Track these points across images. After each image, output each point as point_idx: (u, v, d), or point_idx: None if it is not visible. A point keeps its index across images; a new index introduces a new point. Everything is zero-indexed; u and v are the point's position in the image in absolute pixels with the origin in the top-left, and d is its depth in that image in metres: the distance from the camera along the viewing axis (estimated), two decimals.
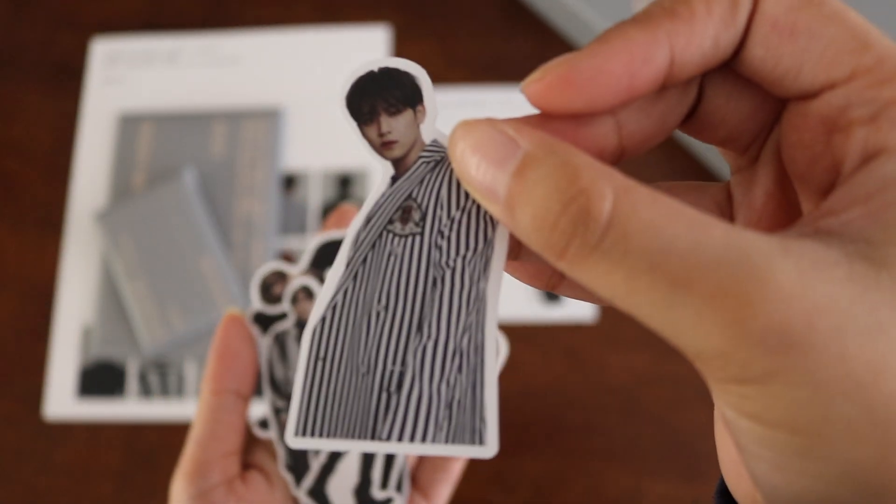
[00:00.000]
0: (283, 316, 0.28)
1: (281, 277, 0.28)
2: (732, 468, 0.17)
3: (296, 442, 0.17)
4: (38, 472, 0.47)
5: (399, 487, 0.27)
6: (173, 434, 0.47)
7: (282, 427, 0.27)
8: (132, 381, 0.48)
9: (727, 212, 0.18)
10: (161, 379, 0.48)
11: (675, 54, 0.15)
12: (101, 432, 0.47)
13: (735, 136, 0.17)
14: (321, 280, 0.28)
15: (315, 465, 0.27)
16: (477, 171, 0.15)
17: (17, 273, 0.51)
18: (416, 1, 0.56)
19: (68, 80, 0.55)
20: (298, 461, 0.27)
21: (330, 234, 0.28)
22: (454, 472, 0.29)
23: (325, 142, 0.53)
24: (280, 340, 0.28)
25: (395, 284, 0.17)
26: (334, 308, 0.17)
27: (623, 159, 0.17)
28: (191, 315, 0.47)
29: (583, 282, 0.14)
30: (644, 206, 0.13)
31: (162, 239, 0.49)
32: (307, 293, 0.27)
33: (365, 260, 0.18)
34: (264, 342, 0.28)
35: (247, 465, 0.28)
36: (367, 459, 0.27)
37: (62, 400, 0.48)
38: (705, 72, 0.16)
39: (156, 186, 0.50)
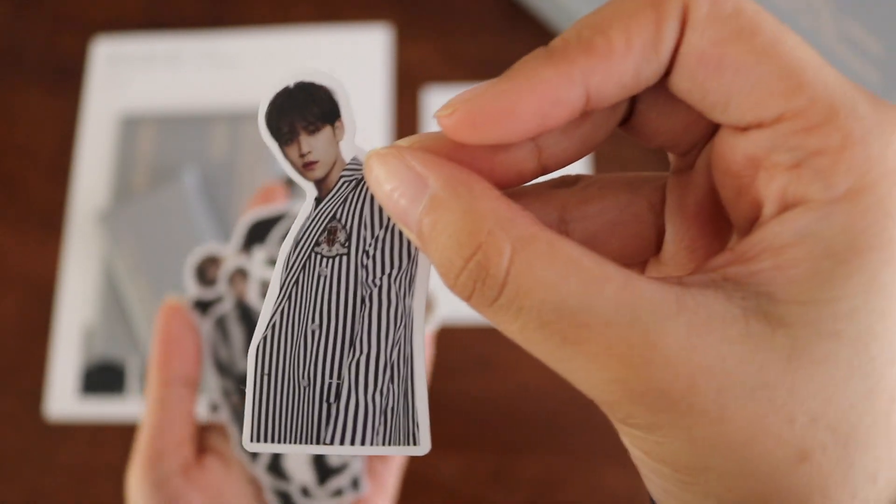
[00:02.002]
0: (220, 299, 0.28)
1: (213, 261, 0.28)
2: None
3: (252, 447, 0.18)
4: (40, 471, 0.47)
5: None
6: None
7: (233, 409, 0.28)
8: (133, 381, 0.48)
9: (659, 213, 0.18)
10: None
11: (591, 91, 0.15)
12: (102, 432, 0.47)
13: (671, 145, 0.17)
14: (264, 259, 0.28)
15: None
16: (390, 201, 0.16)
17: (18, 273, 0.51)
18: (416, 1, 0.56)
19: (69, 80, 0.55)
20: None
21: (257, 213, 0.28)
22: (398, 459, 0.30)
23: None
24: (221, 323, 0.28)
25: (326, 305, 0.18)
26: (273, 328, 0.18)
27: (547, 174, 0.17)
28: None
29: (494, 324, 0.15)
30: (540, 263, 0.14)
31: (163, 239, 0.49)
32: (242, 274, 0.28)
33: (297, 282, 0.18)
34: (205, 327, 0.28)
35: (202, 450, 0.28)
36: None
37: (63, 399, 0.48)
38: (629, 97, 0.15)
39: (157, 187, 0.50)
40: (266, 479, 0.28)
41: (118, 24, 0.57)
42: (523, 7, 0.56)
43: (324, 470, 0.28)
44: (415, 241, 0.16)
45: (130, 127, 0.53)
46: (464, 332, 0.48)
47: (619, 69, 0.14)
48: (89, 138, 0.54)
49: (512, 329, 0.15)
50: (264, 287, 0.27)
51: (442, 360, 0.48)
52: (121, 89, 0.55)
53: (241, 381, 0.28)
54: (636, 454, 0.15)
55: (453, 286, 0.15)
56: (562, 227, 0.17)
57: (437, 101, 0.53)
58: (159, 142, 0.53)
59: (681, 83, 0.15)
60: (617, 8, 0.15)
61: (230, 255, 0.28)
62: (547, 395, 0.47)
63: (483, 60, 0.54)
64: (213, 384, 0.28)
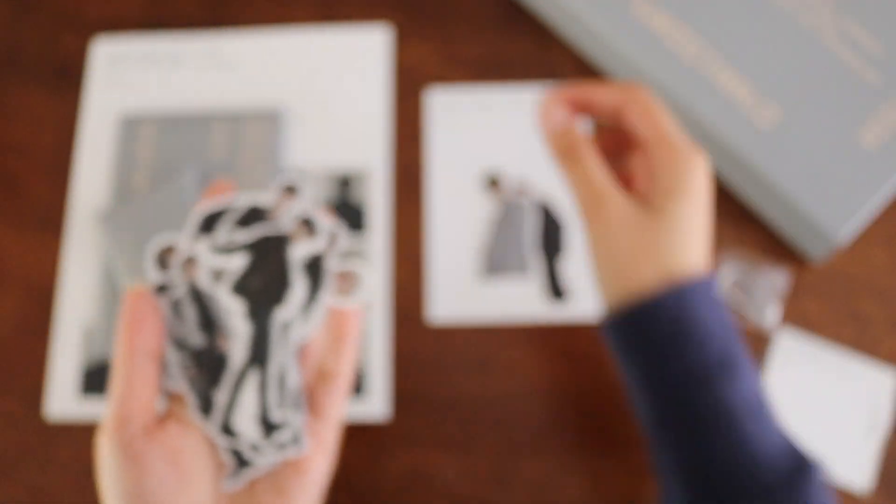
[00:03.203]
0: (175, 283, 0.31)
1: (170, 250, 0.31)
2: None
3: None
4: (40, 471, 0.47)
5: (296, 408, 0.32)
6: None
7: (189, 379, 0.31)
8: None
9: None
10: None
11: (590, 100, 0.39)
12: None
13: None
14: (209, 248, 0.32)
15: (220, 405, 0.31)
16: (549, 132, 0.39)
17: (18, 273, 0.51)
18: (416, 1, 0.56)
19: (69, 80, 0.55)
20: (207, 403, 0.31)
21: (207, 206, 0.32)
22: (343, 390, 0.34)
23: (326, 143, 0.53)
24: (177, 305, 0.31)
25: None
26: None
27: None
28: None
29: (564, 171, 0.37)
30: (590, 160, 0.36)
31: None
32: (191, 261, 0.31)
33: None
34: (165, 308, 0.31)
35: (165, 417, 0.31)
36: (263, 389, 0.31)
37: (63, 399, 0.48)
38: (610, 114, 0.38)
39: (157, 187, 0.50)
40: (220, 439, 0.31)
41: (118, 24, 0.57)
42: (523, 7, 0.56)
43: (268, 427, 0.31)
44: (545, 140, 0.38)
45: (130, 127, 0.53)
46: (464, 332, 0.48)
47: (599, 99, 0.38)
48: (89, 138, 0.54)
49: (569, 175, 0.37)
50: (212, 272, 0.31)
51: (442, 361, 0.48)
52: (121, 89, 0.55)
53: (195, 354, 0.31)
54: (591, 246, 0.36)
55: (563, 156, 0.37)
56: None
57: (437, 101, 0.53)
58: (159, 142, 0.53)
59: (625, 120, 0.37)
60: (603, 86, 0.38)
61: (183, 244, 0.31)
62: (547, 396, 0.47)
63: (483, 60, 0.54)
64: (171, 358, 0.31)
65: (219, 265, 0.31)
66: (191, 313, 0.31)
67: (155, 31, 0.56)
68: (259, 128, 0.53)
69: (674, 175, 0.34)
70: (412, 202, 0.51)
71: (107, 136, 0.53)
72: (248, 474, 0.31)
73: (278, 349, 0.31)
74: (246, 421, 0.31)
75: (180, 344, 0.31)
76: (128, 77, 0.55)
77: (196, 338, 0.31)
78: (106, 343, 0.49)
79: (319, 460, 0.32)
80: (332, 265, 0.32)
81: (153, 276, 0.31)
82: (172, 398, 0.32)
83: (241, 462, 0.31)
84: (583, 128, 0.37)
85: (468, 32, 0.55)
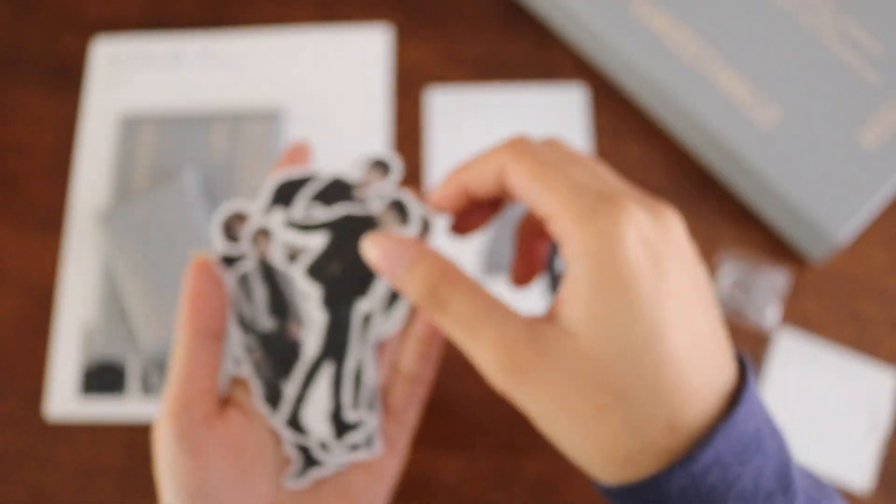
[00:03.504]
0: (244, 256, 0.28)
1: (239, 218, 0.28)
2: None
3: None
4: (40, 471, 0.47)
5: (371, 408, 0.29)
6: None
7: (255, 364, 0.28)
8: (133, 381, 0.48)
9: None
10: (162, 378, 0.48)
11: (468, 189, 0.27)
12: (102, 432, 0.47)
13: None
14: (284, 221, 0.29)
15: (289, 397, 0.28)
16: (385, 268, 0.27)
17: (17, 273, 0.51)
18: (416, 1, 0.56)
19: (69, 80, 0.55)
20: (273, 394, 0.29)
21: (286, 173, 0.28)
22: (422, 396, 0.32)
23: (326, 142, 0.53)
24: (244, 281, 0.28)
25: None
26: None
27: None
28: None
29: (437, 325, 0.28)
30: (465, 292, 0.25)
31: (163, 239, 0.49)
32: (264, 233, 0.28)
33: None
34: (230, 282, 0.28)
35: (225, 403, 0.29)
36: (337, 387, 0.28)
37: (63, 400, 0.48)
38: (495, 193, 0.27)
39: (157, 187, 0.50)
40: (286, 433, 0.29)
41: (118, 24, 0.57)
42: (523, 7, 0.56)
43: (340, 426, 0.29)
44: (398, 287, 0.26)
45: (130, 127, 0.53)
46: None
47: (474, 180, 0.26)
48: (89, 138, 0.54)
49: (446, 327, 0.25)
50: (286, 249, 0.28)
51: (442, 361, 0.48)
52: (121, 89, 0.55)
53: (263, 338, 0.28)
54: (531, 417, 0.24)
55: (423, 303, 0.25)
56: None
57: (437, 101, 0.54)
58: (159, 142, 0.53)
59: (514, 194, 0.26)
60: (475, 158, 0.27)
61: (255, 214, 0.28)
62: None
63: (483, 60, 0.54)
64: (235, 339, 0.29)
65: (295, 242, 0.28)
66: (260, 292, 0.28)
67: (155, 31, 0.56)
68: (259, 127, 0.53)
69: (586, 260, 0.22)
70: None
71: (107, 135, 0.53)
72: (313, 473, 0.29)
73: (356, 344, 0.28)
74: (316, 417, 0.28)
75: (246, 325, 0.29)
76: (128, 77, 0.55)
77: (265, 320, 0.28)
78: (106, 343, 0.49)
79: (391, 464, 0.30)
80: None
81: (220, 245, 0.28)
82: (235, 382, 0.29)
83: (308, 460, 0.29)
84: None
85: (468, 32, 0.55)
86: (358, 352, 0.29)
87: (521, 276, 0.32)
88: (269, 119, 0.53)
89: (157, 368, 0.48)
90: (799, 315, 0.48)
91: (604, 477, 0.24)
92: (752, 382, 0.24)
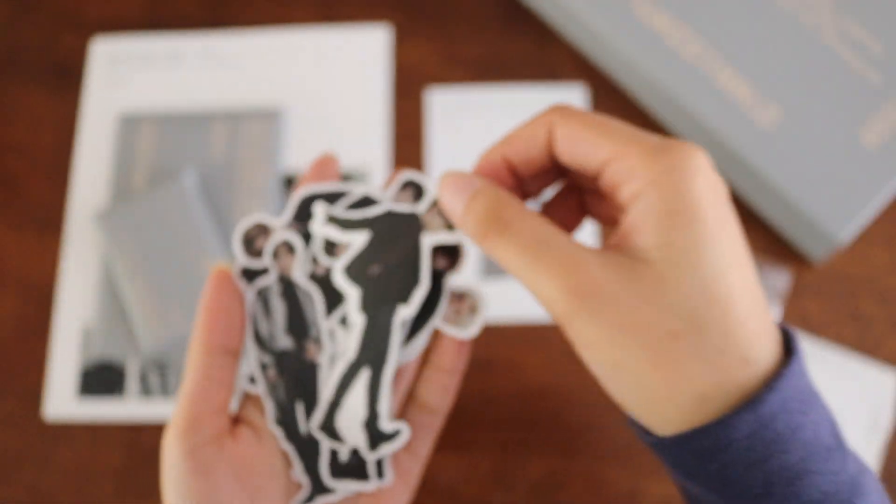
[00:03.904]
0: (265, 270, 0.28)
1: (263, 231, 0.27)
2: None
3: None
4: (39, 472, 0.47)
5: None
6: None
7: (269, 384, 0.27)
8: (132, 381, 0.48)
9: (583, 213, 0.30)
10: (161, 379, 0.48)
11: (509, 160, 0.26)
12: (101, 432, 0.47)
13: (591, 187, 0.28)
14: (303, 234, 0.27)
15: (323, 401, 0.27)
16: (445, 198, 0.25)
17: (17, 273, 0.51)
18: (416, 1, 0.56)
19: (68, 80, 0.55)
20: (287, 416, 0.27)
21: (312, 188, 0.27)
22: (438, 429, 0.31)
23: (326, 142, 0.53)
24: (263, 296, 0.27)
25: None
26: None
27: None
28: (191, 315, 0.47)
29: (494, 256, 0.24)
30: (529, 219, 0.24)
31: (162, 239, 0.49)
32: (288, 248, 0.27)
33: None
34: (249, 296, 0.27)
35: (236, 421, 0.28)
36: (374, 394, 0.27)
37: (62, 400, 0.48)
38: (539, 164, 0.26)
39: (156, 187, 0.50)
40: (296, 460, 0.28)
41: (118, 24, 0.57)
42: (523, 7, 0.56)
43: (375, 435, 0.27)
44: (456, 218, 0.25)
45: (130, 127, 0.53)
46: None
47: (518, 151, 0.26)
48: (88, 138, 0.53)
49: (507, 252, 0.24)
50: (310, 265, 0.27)
51: None
52: (120, 89, 0.55)
53: (279, 356, 0.27)
54: (584, 354, 0.23)
55: (480, 228, 0.24)
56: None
57: (437, 101, 0.53)
58: (158, 142, 0.53)
59: (563, 157, 0.25)
60: (518, 127, 0.26)
61: (279, 227, 0.27)
62: (548, 396, 0.47)
63: (483, 60, 0.54)
64: (251, 356, 0.28)
65: (336, 239, 0.26)
66: (280, 309, 0.27)
67: (154, 31, 0.56)
68: (258, 127, 0.52)
69: (657, 191, 0.22)
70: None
71: (106, 135, 0.53)
72: (322, 501, 0.28)
73: (396, 351, 0.26)
74: (351, 426, 0.27)
75: (262, 341, 0.28)
76: (127, 77, 0.55)
77: (282, 339, 0.27)
78: (105, 343, 0.49)
79: (401, 495, 0.29)
80: (448, 283, 0.27)
81: (240, 258, 0.27)
82: (248, 399, 0.29)
83: (318, 487, 0.28)
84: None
85: (468, 32, 0.55)
86: (397, 360, 0.27)
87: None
88: (268, 118, 0.52)
89: (156, 369, 0.48)
90: (799, 315, 0.48)
91: (663, 423, 0.23)
92: (798, 339, 0.24)
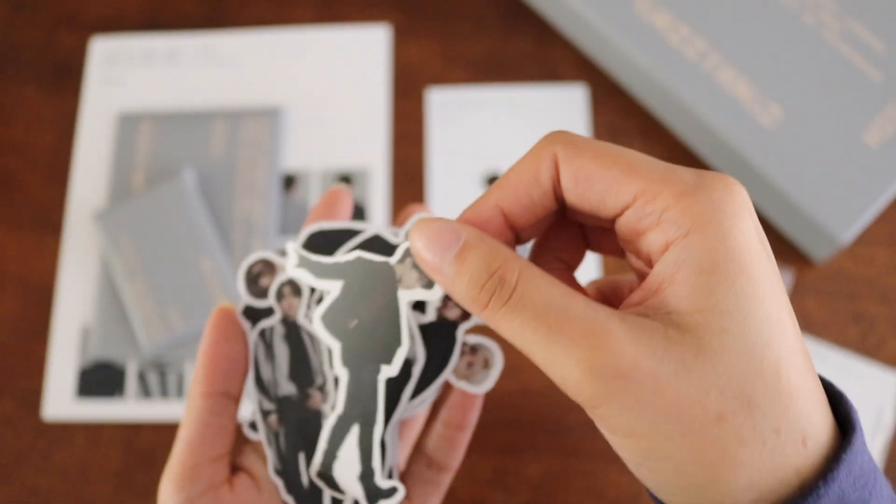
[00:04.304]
0: (270, 311, 0.26)
1: (269, 267, 0.26)
2: None
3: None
4: (37, 472, 0.47)
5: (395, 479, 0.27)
6: (173, 434, 0.46)
7: (270, 431, 0.26)
8: (131, 382, 0.48)
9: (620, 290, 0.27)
10: (160, 379, 0.48)
11: (506, 210, 0.22)
12: (100, 433, 0.47)
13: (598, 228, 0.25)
14: (296, 260, 0.26)
15: (319, 450, 0.26)
16: (427, 254, 0.21)
17: (16, 273, 0.51)
18: (416, 1, 0.56)
19: (67, 79, 0.55)
20: (288, 466, 0.26)
21: (320, 224, 0.26)
22: (446, 484, 0.29)
23: (325, 141, 0.53)
24: (266, 338, 0.26)
25: None
26: None
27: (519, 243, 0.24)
28: (190, 315, 0.47)
29: (496, 328, 0.21)
30: (537, 278, 0.20)
31: (161, 239, 0.49)
32: (293, 288, 0.26)
33: None
34: (252, 339, 0.26)
35: (235, 468, 0.27)
36: (366, 451, 0.25)
37: (61, 400, 0.48)
38: (542, 211, 0.22)
39: (155, 186, 0.50)
40: (318, 483, 0.26)
41: (116, 24, 0.57)
42: (524, 6, 0.55)
43: (372, 491, 0.25)
44: (442, 280, 0.21)
45: (128, 126, 0.53)
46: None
47: (517, 195, 0.22)
48: (87, 137, 0.53)
49: (515, 324, 0.20)
50: (315, 307, 0.25)
51: None
52: (119, 88, 0.55)
53: (282, 402, 0.26)
54: (609, 438, 0.21)
55: (477, 295, 0.21)
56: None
57: (437, 100, 0.53)
58: (157, 141, 0.52)
59: (571, 198, 0.21)
60: (513, 168, 0.22)
61: (286, 266, 0.26)
62: (548, 396, 0.47)
63: (483, 60, 0.54)
64: (252, 400, 0.26)
65: (311, 284, 0.24)
66: (283, 353, 0.26)
67: (153, 30, 0.56)
68: (258, 126, 0.52)
69: (695, 241, 0.19)
70: (412, 202, 0.51)
71: (105, 134, 0.53)
72: None
73: (382, 410, 0.25)
74: (347, 478, 0.26)
75: (263, 387, 0.26)
76: (126, 76, 0.55)
77: (285, 385, 0.26)
78: (104, 343, 0.48)
79: None
80: (462, 335, 0.25)
81: (244, 296, 0.26)
82: (247, 447, 0.27)
83: None
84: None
85: (468, 32, 0.55)
86: (402, 413, 0.25)
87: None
88: (267, 118, 0.52)
89: (155, 369, 0.48)
90: (801, 315, 0.48)
91: None
92: (853, 407, 0.20)
